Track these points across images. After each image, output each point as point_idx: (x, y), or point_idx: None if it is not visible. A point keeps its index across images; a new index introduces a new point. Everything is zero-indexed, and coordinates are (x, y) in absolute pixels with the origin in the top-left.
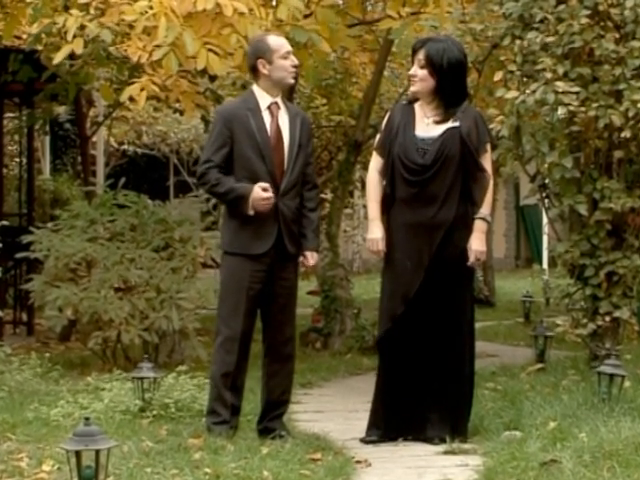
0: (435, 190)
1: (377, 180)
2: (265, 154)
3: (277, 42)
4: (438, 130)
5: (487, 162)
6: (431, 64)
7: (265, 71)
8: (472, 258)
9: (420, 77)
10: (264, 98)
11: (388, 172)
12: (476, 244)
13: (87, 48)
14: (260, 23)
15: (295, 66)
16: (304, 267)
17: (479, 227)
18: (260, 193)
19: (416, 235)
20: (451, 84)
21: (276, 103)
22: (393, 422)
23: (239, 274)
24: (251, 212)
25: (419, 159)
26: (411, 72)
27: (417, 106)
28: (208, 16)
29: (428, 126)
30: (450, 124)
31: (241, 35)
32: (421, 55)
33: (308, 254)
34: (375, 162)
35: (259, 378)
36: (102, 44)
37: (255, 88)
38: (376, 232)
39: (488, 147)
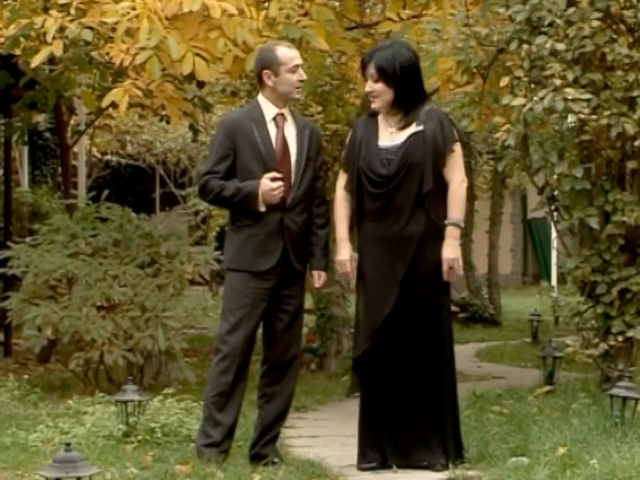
0: (401, 202)
1: (344, 198)
2: (270, 167)
3: (286, 54)
4: (402, 137)
5: (457, 163)
6: (384, 75)
7: (270, 83)
8: (445, 267)
9: (377, 92)
10: (269, 109)
11: (354, 188)
12: (447, 252)
13: (68, 52)
14: (250, 24)
15: (302, 81)
16: (311, 287)
17: (451, 233)
18: (269, 184)
19: (387, 250)
20: (409, 88)
21: (282, 114)
22: (378, 447)
23: (242, 291)
24: (262, 208)
25: (382, 170)
26: (367, 89)
27: (380, 117)
28: (195, 18)
29: (392, 134)
30: (414, 129)
31: (229, 38)
32: (372, 69)
33: (315, 274)
34: (341, 179)
35: (251, 401)
36: (84, 48)
37: (260, 98)
38: (343, 253)
39: (456, 147)
